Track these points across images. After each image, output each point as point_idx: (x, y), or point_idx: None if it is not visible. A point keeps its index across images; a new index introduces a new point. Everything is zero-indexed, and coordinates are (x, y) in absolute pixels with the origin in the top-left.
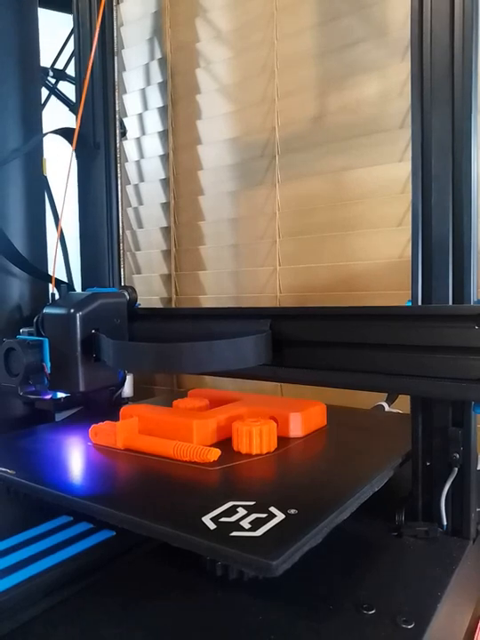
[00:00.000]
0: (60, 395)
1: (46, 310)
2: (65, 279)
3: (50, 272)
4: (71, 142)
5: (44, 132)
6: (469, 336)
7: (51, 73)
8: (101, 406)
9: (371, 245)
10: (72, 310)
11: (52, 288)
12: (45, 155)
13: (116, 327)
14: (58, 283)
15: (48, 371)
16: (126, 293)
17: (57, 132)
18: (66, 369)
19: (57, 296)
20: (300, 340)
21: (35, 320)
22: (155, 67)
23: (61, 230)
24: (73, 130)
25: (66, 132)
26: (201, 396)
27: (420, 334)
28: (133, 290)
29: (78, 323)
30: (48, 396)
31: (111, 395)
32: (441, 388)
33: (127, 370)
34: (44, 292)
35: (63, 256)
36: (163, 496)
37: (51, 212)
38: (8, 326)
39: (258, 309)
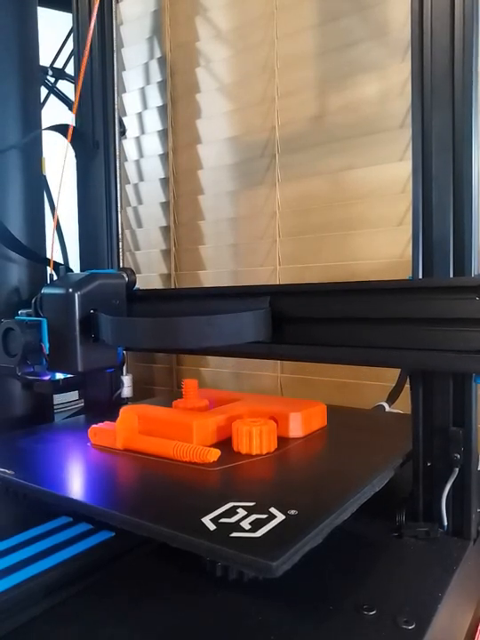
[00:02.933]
0: (59, 376)
1: (45, 290)
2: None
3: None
4: (67, 137)
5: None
6: (470, 308)
7: (50, 72)
8: (101, 406)
9: (371, 245)
10: (71, 290)
11: (50, 270)
12: (44, 154)
13: (114, 308)
14: (56, 266)
15: (46, 351)
16: (125, 275)
17: (55, 128)
18: (64, 349)
19: (55, 278)
20: (299, 317)
21: (33, 301)
22: (154, 66)
23: (58, 221)
24: (69, 126)
25: (63, 129)
26: (200, 395)
27: (421, 307)
28: (132, 272)
29: (77, 302)
30: (47, 377)
31: (111, 395)
32: (442, 361)
33: (126, 346)
34: (42, 276)
35: (61, 249)
36: (162, 497)
37: (50, 212)
38: (7, 309)
39: (257, 287)
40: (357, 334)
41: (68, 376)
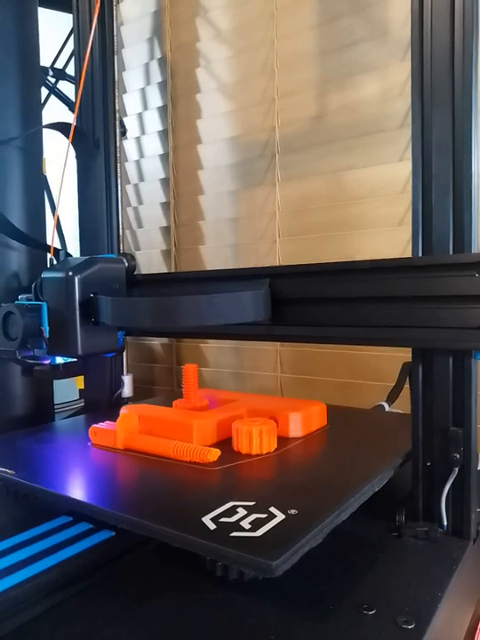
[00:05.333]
0: (59, 360)
1: (45, 274)
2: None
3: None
4: (68, 137)
5: (43, 130)
6: (470, 284)
7: (51, 72)
8: (101, 406)
9: (371, 245)
10: (71, 273)
11: (50, 255)
12: (45, 156)
13: (114, 292)
14: (56, 252)
15: (46, 335)
16: (125, 260)
17: (54, 125)
18: (64, 332)
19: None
20: (299, 298)
21: (33, 285)
22: (154, 66)
23: (58, 219)
24: (70, 124)
25: (63, 127)
26: (200, 395)
27: (421, 285)
28: (132, 257)
29: (77, 286)
30: (46, 361)
31: (111, 395)
32: (442, 337)
33: (126, 326)
34: (42, 263)
35: (60, 244)
36: (163, 496)
37: (49, 211)
38: (7, 295)
39: (257, 269)
40: (358, 313)
41: (68, 360)
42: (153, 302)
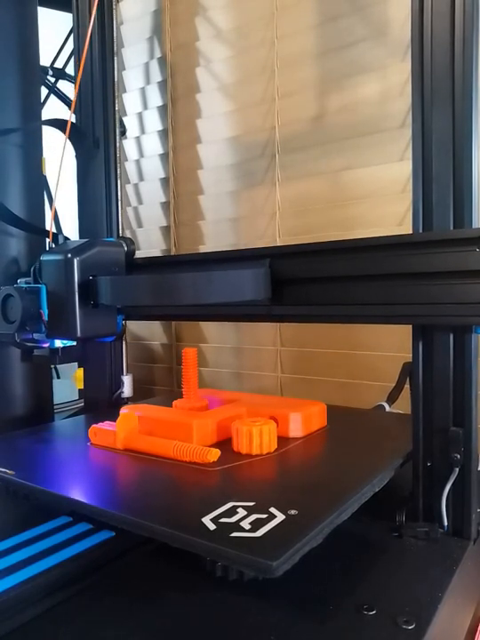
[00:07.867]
0: (58, 344)
1: (44, 257)
2: None
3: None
4: (65, 133)
5: (42, 129)
6: (470, 259)
7: (50, 72)
8: (101, 406)
9: None
10: (70, 255)
11: (49, 241)
12: (45, 156)
13: (113, 275)
14: (55, 237)
15: (45, 317)
16: (125, 244)
17: (53, 122)
18: (63, 315)
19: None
20: (299, 278)
21: (32, 268)
22: (154, 65)
23: (57, 215)
24: (67, 121)
25: (62, 124)
26: (200, 395)
27: (421, 261)
28: (131, 242)
29: (76, 267)
30: (46, 344)
31: (111, 395)
32: (442, 313)
33: (125, 304)
34: (41, 249)
35: (57, 229)
36: (162, 497)
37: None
38: (6, 280)
39: (256, 250)
40: (358, 292)
41: (68, 344)
42: (152, 280)
